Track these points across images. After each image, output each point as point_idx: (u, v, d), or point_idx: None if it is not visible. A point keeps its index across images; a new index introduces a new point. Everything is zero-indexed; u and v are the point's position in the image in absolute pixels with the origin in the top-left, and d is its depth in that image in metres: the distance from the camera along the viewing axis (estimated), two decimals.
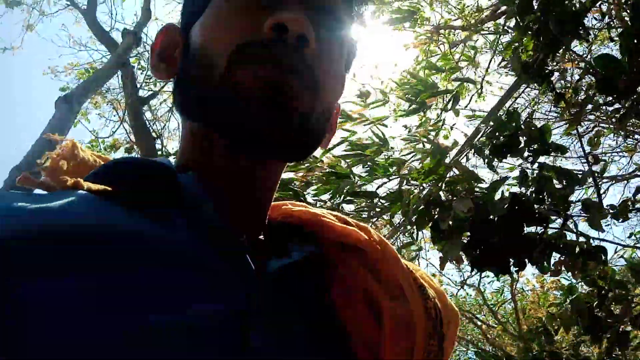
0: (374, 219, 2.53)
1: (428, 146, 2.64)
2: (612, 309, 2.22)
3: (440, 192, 2.15)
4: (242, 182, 0.45)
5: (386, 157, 2.62)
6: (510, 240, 1.93)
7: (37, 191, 0.41)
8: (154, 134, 4.58)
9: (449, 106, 2.44)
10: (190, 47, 0.47)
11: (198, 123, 0.46)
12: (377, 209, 2.45)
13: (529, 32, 2.15)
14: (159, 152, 4.59)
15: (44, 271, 0.30)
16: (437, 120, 2.64)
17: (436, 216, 2.07)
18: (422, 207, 2.12)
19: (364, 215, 2.59)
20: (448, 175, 2.22)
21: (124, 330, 0.29)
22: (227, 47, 0.42)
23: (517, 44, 2.32)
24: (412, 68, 4.60)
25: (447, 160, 2.45)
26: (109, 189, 0.38)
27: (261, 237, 0.47)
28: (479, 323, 8.03)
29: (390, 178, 2.55)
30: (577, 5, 2.13)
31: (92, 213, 0.35)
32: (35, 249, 0.31)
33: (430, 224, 2.13)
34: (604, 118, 2.52)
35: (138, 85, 5.09)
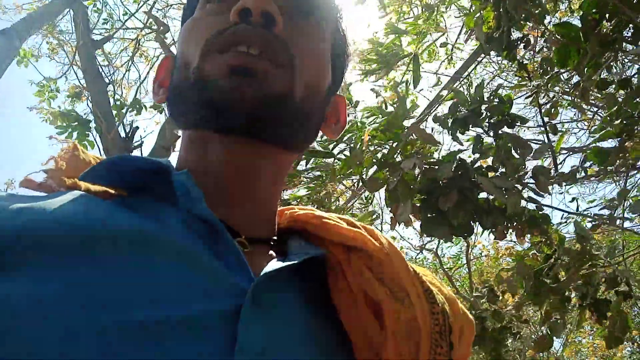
0: (330, 183, 2.47)
1: (391, 109, 2.58)
2: (559, 275, 2.28)
3: (395, 155, 2.11)
4: (241, 179, 0.45)
5: (349, 119, 2.54)
6: (459, 205, 1.93)
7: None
8: (106, 80, 4.32)
9: (409, 67, 2.36)
10: (175, 60, 0.49)
11: (190, 129, 0.47)
12: (333, 169, 2.39)
13: (489, 2, 2.09)
14: (113, 100, 4.35)
15: (18, 268, 0.29)
16: (401, 82, 2.56)
17: (388, 178, 2.04)
18: (374, 168, 2.09)
19: (322, 177, 2.53)
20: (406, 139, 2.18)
21: (104, 326, 0.28)
22: (199, 44, 0.44)
23: (477, 15, 2.26)
24: (383, 30, 4.48)
25: (407, 122, 2.40)
26: (108, 190, 0.39)
27: (267, 237, 0.47)
28: None
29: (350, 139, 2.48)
30: None
31: (81, 211, 0.35)
32: (11, 246, 0.30)
33: (383, 186, 2.10)
34: (565, 89, 2.50)
35: (92, 28, 4.76)
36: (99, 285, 0.30)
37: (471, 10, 2.31)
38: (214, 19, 0.46)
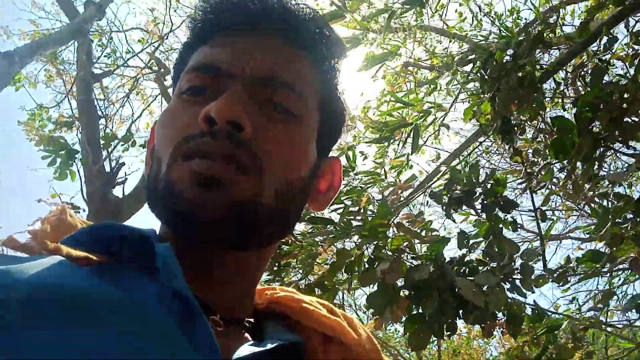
0: (326, 247, 2.42)
1: (390, 179, 2.60)
2: None
3: (382, 251, 2.10)
4: (207, 268, 0.45)
5: (347, 183, 2.54)
6: (440, 310, 1.90)
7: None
8: (99, 113, 4.29)
9: (409, 140, 2.42)
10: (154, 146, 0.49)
11: None
12: (331, 236, 2.35)
13: (487, 95, 2.21)
14: (102, 133, 4.29)
15: None
16: (400, 155, 2.60)
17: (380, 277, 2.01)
18: (366, 265, 2.07)
19: (317, 239, 2.48)
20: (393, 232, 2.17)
21: None
22: (170, 145, 0.44)
23: (475, 108, 2.38)
24: (377, 100, 4.64)
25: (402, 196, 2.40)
26: (89, 255, 0.39)
27: (243, 318, 0.46)
28: None
29: (346, 203, 2.47)
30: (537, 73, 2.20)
31: (55, 277, 0.35)
32: None
33: (376, 282, 2.05)
34: (556, 181, 2.58)
35: (94, 61, 4.79)
36: (52, 352, 0.29)
37: (470, 102, 2.42)
38: (186, 118, 0.45)
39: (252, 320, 0.47)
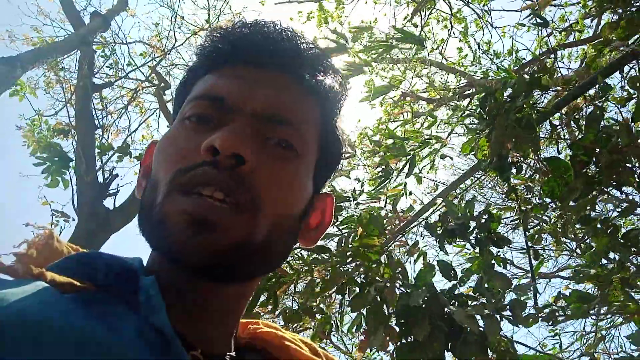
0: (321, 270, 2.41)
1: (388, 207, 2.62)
2: None
3: (376, 277, 2.10)
4: (199, 304, 0.45)
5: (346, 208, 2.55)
6: (432, 336, 1.89)
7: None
8: (96, 123, 4.28)
9: (406, 170, 2.44)
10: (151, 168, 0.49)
11: None
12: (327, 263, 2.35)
13: (485, 131, 2.26)
14: (98, 143, 4.27)
15: None
16: (398, 185, 2.62)
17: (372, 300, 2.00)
18: (357, 288, 2.07)
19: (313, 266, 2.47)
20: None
21: None
22: (169, 172, 0.44)
23: (473, 144, 2.43)
24: (374, 128, 4.69)
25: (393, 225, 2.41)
26: (74, 282, 0.38)
27: (224, 353, 0.46)
28: None
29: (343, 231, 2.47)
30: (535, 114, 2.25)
31: (36, 306, 0.34)
32: None
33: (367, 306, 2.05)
34: (548, 217, 2.60)
35: (95, 72, 4.80)
36: None
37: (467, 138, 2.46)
38: (187, 146, 0.45)
39: (233, 354, 0.47)
